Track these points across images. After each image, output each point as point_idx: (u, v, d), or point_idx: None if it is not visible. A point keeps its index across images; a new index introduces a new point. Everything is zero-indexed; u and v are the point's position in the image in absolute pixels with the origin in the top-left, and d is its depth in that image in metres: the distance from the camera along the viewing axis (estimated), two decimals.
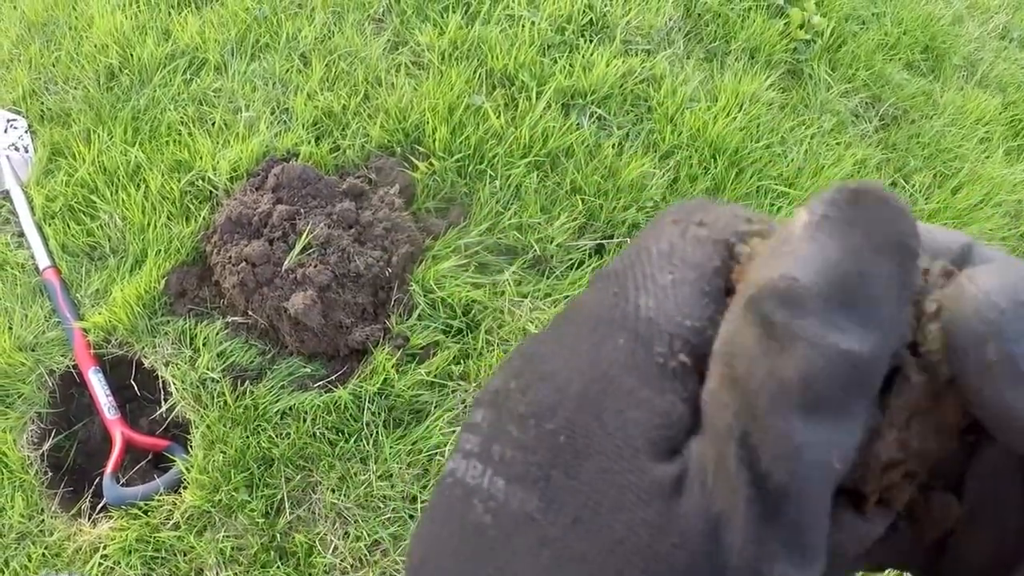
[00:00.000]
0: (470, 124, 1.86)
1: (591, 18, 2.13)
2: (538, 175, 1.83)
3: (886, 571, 0.24)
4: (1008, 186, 2.16)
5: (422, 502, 1.47)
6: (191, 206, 1.72)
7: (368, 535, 1.44)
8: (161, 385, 1.58)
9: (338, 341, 1.58)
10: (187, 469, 1.47)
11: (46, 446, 1.52)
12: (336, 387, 1.55)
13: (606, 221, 1.81)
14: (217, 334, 1.58)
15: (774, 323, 0.17)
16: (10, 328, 1.60)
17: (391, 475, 1.49)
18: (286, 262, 1.55)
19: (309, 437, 1.50)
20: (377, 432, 1.51)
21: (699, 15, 2.24)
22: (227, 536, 1.42)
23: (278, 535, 1.43)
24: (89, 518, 1.46)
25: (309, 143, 1.81)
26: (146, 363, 1.58)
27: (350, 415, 1.53)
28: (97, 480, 1.49)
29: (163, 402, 1.55)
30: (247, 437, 1.49)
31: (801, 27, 2.26)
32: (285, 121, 1.87)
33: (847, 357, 0.17)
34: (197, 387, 1.53)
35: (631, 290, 0.20)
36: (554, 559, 0.18)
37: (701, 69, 2.13)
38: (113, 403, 1.54)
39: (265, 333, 1.61)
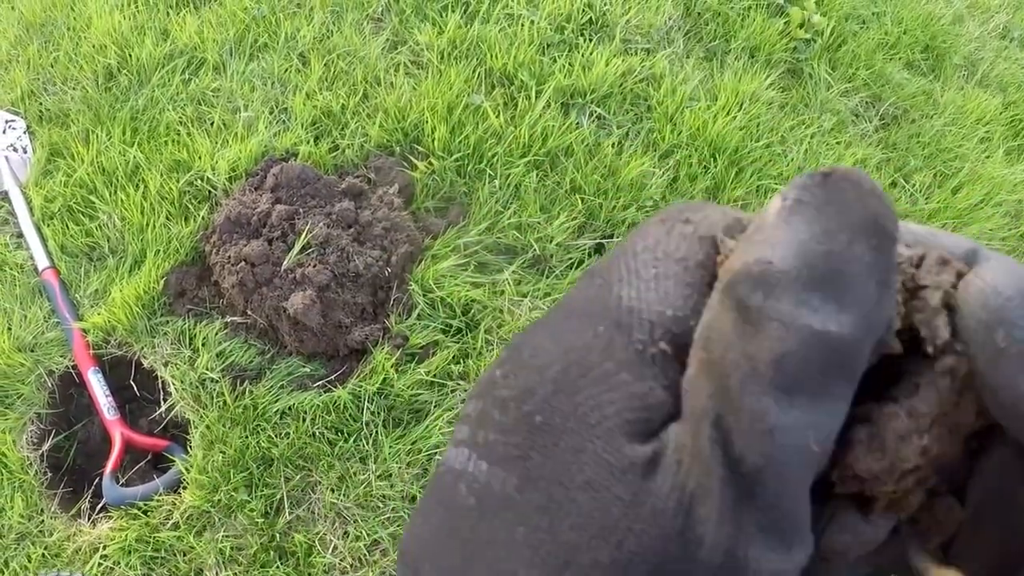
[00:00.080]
0: (469, 123, 1.85)
1: (590, 17, 2.12)
2: (537, 174, 1.83)
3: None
4: (1008, 186, 2.15)
5: None
6: (190, 206, 1.72)
7: (367, 535, 1.44)
8: (160, 385, 1.58)
9: (337, 341, 1.58)
10: (186, 469, 1.47)
11: (46, 446, 1.51)
12: (335, 387, 1.55)
13: (606, 220, 1.81)
14: (216, 334, 1.58)
15: (749, 307, 0.17)
16: (9, 329, 1.60)
17: (390, 475, 1.49)
18: (285, 262, 1.55)
19: (308, 437, 1.50)
20: (376, 432, 1.51)
21: (699, 14, 2.23)
22: (226, 536, 1.42)
23: (277, 535, 1.43)
24: (89, 518, 1.46)
25: (308, 143, 1.80)
26: (145, 363, 1.58)
27: (349, 415, 1.53)
28: (97, 480, 1.49)
29: (162, 402, 1.55)
30: (246, 437, 1.49)
31: (801, 26, 2.26)
32: (284, 121, 1.87)
33: (821, 338, 0.17)
34: (196, 387, 1.53)
35: (615, 283, 0.20)
36: (528, 536, 0.19)
37: (701, 68, 2.13)
38: (112, 403, 1.54)
39: (264, 333, 1.60)
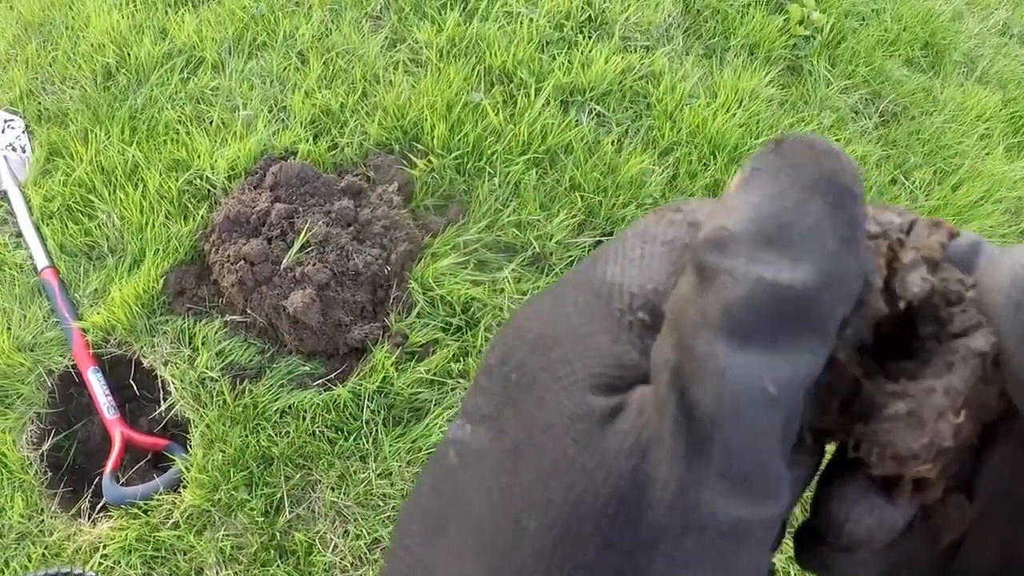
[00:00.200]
0: (468, 121, 1.85)
1: (589, 14, 2.12)
2: (537, 172, 1.83)
3: None
4: (1008, 183, 2.15)
5: None
6: (189, 205, 1.71)
7: (368, 533, 1.44)
8: (160, 384, 1.57)
9: (337, 339, 1.57)
10: (186, 468, 1.47)
11: (45, 446, 1.51)
12: (335, 385, 1.55)
13: (605, 218, 1.81)
14: (216, 333, 1.58)
15: (705, 267, 0.18)
16: (9, 328, 1.60)
17: (391, 473, 1.48)
18: (285, 260, 1.55)
19: (308, 435, 1.50)
20: (376, 430, 1.51)
21: (698, 11, 2.23)
22: (227, 535, 1.42)
23: (278, 534, 1.43)
24: (89, 518, 1.46)
25: (307, 141, 1.80)
26: (145, 362, 1.58)
27: (349, 413, 1.52)
28: (97, 480, 1.49)
29: (162, 401, 1.55)
30: (246, 436, 1.49)
31: (800, 23, 2.26)
32: (283, 119, 1.86)
33: (771, 286, 0.17)
34: (196, 386, 1.53)
35: (601, 261, 0.21)
36: (496, 481, 0.20)
37: (700, 65, 2.12)
38: (112, 403, 1.54)
39: (264, 332, 1.60)
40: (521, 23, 2.04)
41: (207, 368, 1.54)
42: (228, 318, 1.60)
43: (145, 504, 1.44)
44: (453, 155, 1.81)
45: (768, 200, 0.18)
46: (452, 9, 2.06)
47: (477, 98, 1.90)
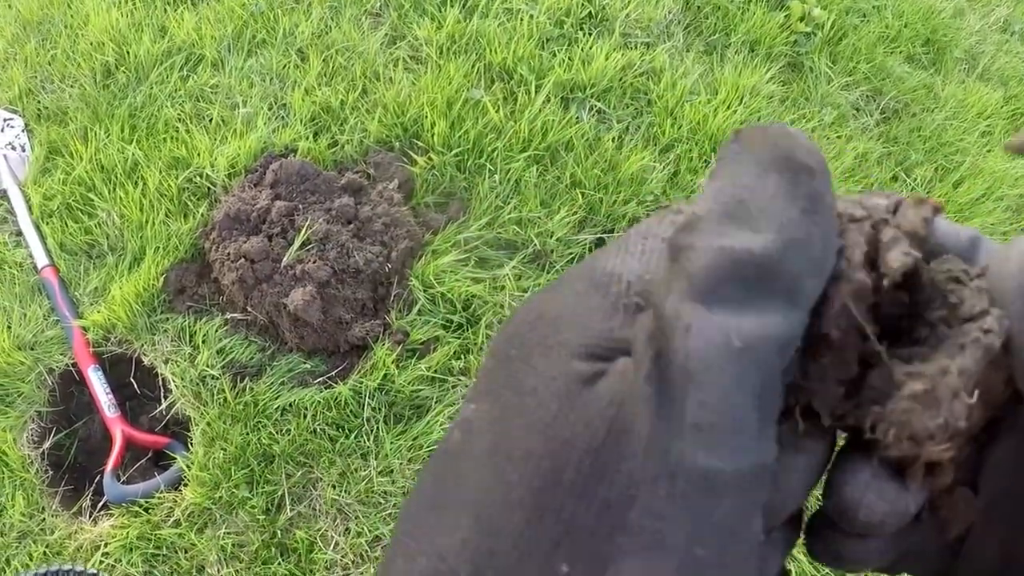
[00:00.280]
0: (469, 118, 1.85)
1: (590, 11, 2.12)
2: (538, 169, 1.82)
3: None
4: (1010, 180, 2.15)
5: None
6: (189, 203, 1.71)
7: (369, 531, 1.44)
8: (161, 383, 1.57)
9: (338, 337, 1.57)
10: (187, 466, 1.47)
11: (46, 444, 1.51)
12: (336, 383, 1.55)
13: (606, 215, 1.80)
14: (216, 331, 1.58)
15: (674, 246, 0.20)
16: (9, 327, 1.59)
17: (392, 471, 1.48)
18: (285, 258, 1.55)
19: (309, 433, 1.49)
20: (377, 428, 1.51)
21: (698, 8, 2.23)
22: (228, 533, 1.42)
23: (279, 531, 1.43)
24: (90, 516, 1.45)
25: (307, 138, 1.80)
26: (145, 361, 1.58)
27: (350, 411, 1.52)
28: (97, 478, 1.49)
29: (163, 399, 1.55)
30: (247, 434, 1.48)
31: (801, 20, 2.25)
32: (283, 117, 1.86)
33: (730, 253, 0.18)
34: (197, 384, 1.53)
35: (602, 258, 0.22)
36: (488, 444, 0.21)
37: (701, 62, 2.12)
38: (113, 401, 1.54)
39: (264, 329, 1.60)
40: (521, 20, 2.04)
41: (208, 366, 1.54)
42: (228, 316, 1.59)
43: (146, 502, 1.44)
44: (453, 152, 1.81)
45: (729, 182, 0.20)
46: (452, 6, 2.05)
47: (477, 95, 1.90)
